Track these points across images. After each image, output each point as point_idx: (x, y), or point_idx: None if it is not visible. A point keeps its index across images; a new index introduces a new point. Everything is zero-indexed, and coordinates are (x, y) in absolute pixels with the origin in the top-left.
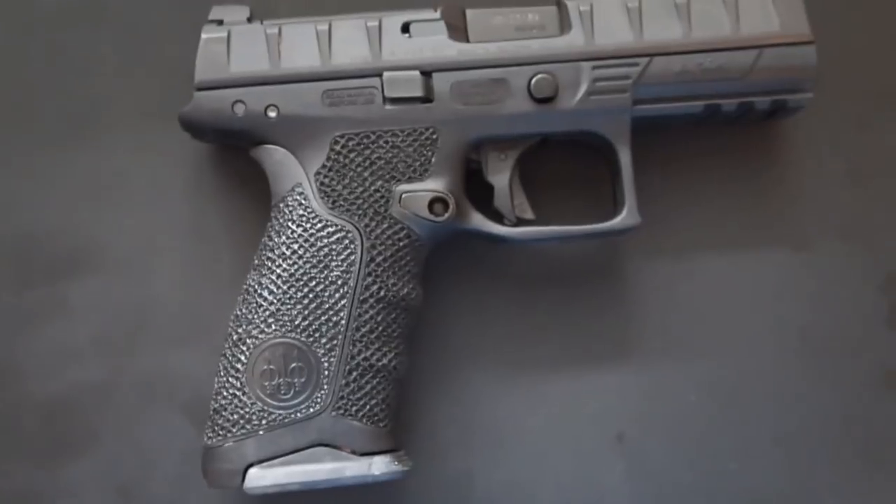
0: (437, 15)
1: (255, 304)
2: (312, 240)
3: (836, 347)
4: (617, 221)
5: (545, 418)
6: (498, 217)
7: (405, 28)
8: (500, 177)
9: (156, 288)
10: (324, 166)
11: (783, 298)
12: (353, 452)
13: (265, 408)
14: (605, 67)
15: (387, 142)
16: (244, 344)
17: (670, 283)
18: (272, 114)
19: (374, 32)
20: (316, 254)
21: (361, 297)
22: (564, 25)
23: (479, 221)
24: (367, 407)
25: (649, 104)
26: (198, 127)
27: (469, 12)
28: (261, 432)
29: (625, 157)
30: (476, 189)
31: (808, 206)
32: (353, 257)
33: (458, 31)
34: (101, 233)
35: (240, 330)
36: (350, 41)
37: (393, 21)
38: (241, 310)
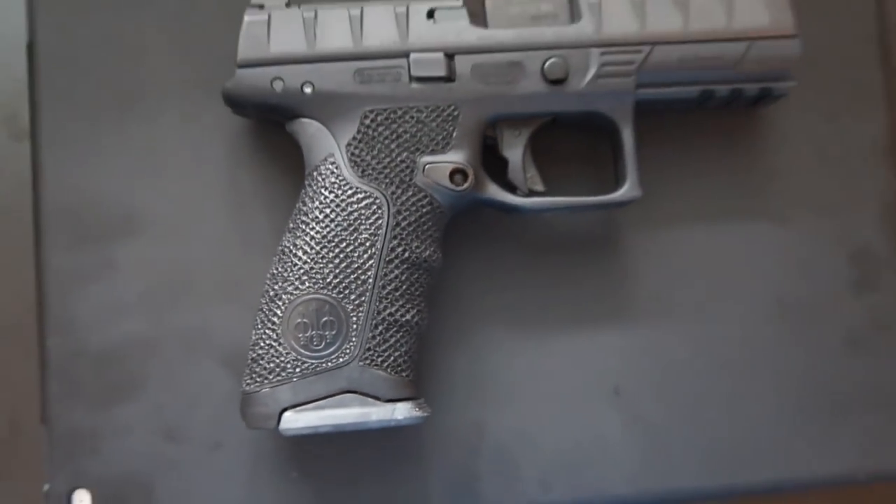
0: (460, 3)
1: (290, 263)
2: (343, 205)
3: (809, 311)
4: (620, 194)
5: (550, 372)
6: (512, 188)
7: (430, 14)
8: (515, 151)
9: (197, 249)
10: (354, 138)
11: (762, 266)
12: (379, 399)
13: (299, 357)
14: (612, 54)
15: (412, 117)
16: (280, 300)
17: (664, 251)
18: (308, 90)
19: (401, 17)
20: (346, 217)
21: (388, 258)
22: (575, 15)
23: (495, 192)
24: (392, 358)
25: (651, 88)
26: (239, 101)
27: (488, 1)
28: (294, 379)
29: (627, 136)
30: (491, 163)
31: (785, 185)
32: (380, 221)
33: (479, 17)
34: (148, 199)
35: (276, 286)
36: (380, 25)
37: (419, 7)
38: (276, 268)
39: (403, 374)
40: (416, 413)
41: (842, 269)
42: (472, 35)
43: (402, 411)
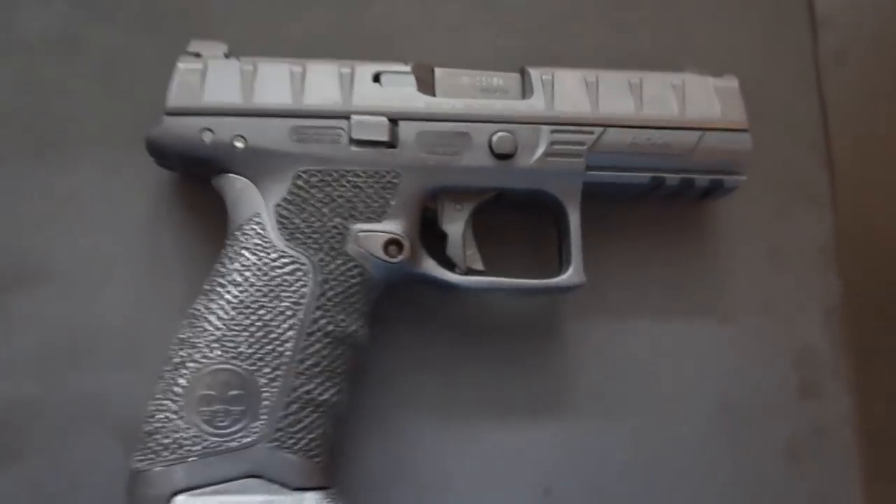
0: (408, 69)
1: (200, 329)
2: (265, 269)
3: (750, 415)
4: (563, 279)
5: (477, 465)
6: (449, 265)
7: (376, 78)
8: (455, 226)
9: (103, 308)
10: (285, 199)
11: (706, 366)
12: (286, 486)
13: (200, 433)
14: (563, 132)
15: (349, 181)
16: (185, 367)
17: (604, 344)
18: (239, 144)
19: (346, 78)
20: (268, 283)
21: (309, 330)
22: (527, 91)
23: (431, 267)
24: (304, 441)
25: (601, 171)
26: (164, 151)
27: (438, 70)
28: (192, 459)
29: (574, 219)
30: (429, 237)
31: (732, 282)
32: (304, 289)
33: (427, 85)
34: (54, 249)
35: (182, 353)
36: (322, 83)
37: (365, 70)
38: (185, 333)
39: (316, 460)
40: None
41: (785, 372)
42: (419, 101)
43: (311, 502)
